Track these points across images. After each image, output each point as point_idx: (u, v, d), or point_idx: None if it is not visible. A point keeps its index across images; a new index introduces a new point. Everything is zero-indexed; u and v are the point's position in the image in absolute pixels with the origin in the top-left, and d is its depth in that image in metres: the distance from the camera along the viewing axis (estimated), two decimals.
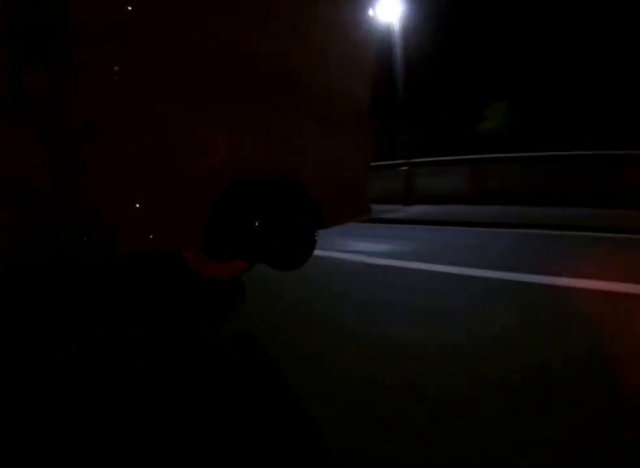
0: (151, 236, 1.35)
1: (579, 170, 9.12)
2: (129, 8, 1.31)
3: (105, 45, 1.27)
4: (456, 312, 2.03)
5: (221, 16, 1.56)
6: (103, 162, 1.30)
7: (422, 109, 15.49)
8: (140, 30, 1.34)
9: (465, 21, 16.33)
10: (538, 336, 1.75)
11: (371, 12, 2.34)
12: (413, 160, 10.73)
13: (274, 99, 1.72)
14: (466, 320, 1.92)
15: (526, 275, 2.69)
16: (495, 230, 5.72)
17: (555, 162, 9.51)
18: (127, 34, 1.31)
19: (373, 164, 10.43)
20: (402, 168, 10.42)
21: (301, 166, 1.71)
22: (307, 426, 1.05)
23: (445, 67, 16.49)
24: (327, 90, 1.93)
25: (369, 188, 2.42)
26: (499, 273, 2.77)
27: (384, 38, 11.34)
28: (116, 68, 1.30)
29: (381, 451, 0.99)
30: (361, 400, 1.21)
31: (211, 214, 1.34)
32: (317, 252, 1.83)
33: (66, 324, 1.66)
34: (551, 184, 9.20)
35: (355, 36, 2.21)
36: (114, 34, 1.29)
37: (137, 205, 1.35)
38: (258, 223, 1.34)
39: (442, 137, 15.09)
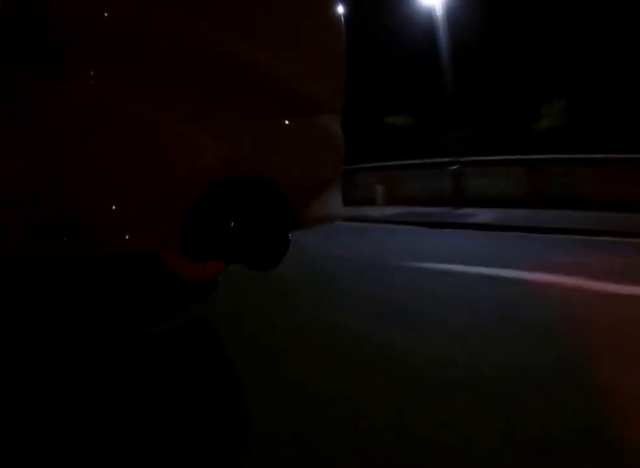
0: (130, 237, 1.36)
1: None
2: (106, 14, 1.36)
3: (79, 50, 1.30)
4: None
5: (194, 18, 1.58)
6: (82, 164, 1.34)
7: (471, 104, 14.54)
8: (115, 35, 1.37)
9: (519, 8, 15.24)
10: None
11: (339, 9, 2.30)
12: (463, 158, 9.93)
13: (247, 97, 1.75)
14: None
15: None
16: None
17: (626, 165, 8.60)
18: (102, 39, 1.34)
19: (415, 161, 9.58)
20: (451, 167, 9.62)
21: (273, 166, 1.69)
22: None
23: (496, 58, 15.45)
24: (299, 89, 1.91)
25: (343, 190, 2.38)
26: None
27: (425, 24, 10.64)
28: (92, 72, 1.33)
29: None
30: None
31: (189, 216, 1.34)
32: None
33: (61, 323, 1.68)
34: (624, 187, 8.27)
35: (324, 31, 2.21)
36: (88, 39, 1.32)
37: (116, 207, 1.37)
38: (233, 224, 1.35)
39: (494, 134, 14.14)
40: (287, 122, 1.89)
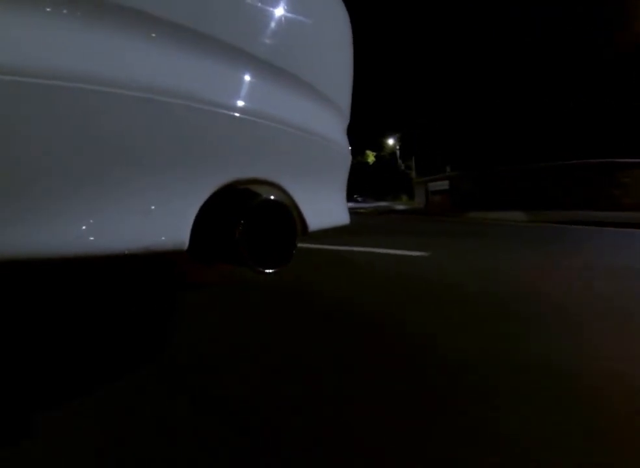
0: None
1: None
2: None
3: None
4: None
5: None
6: None
7: None
8: None
9: None
10: None
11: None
12: None
13: None
14: None
15: None
16: None
17: None
18: None
19: None
20: None
21: (283, 170, 1.36)
22: None
23: None
24: (307, 83, 1.47)
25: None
26: None
27: None
28: None
29: None
30: None
31: (198, 216, 0.99)
32: None
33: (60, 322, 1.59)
34: None
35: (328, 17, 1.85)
36: None
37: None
38: (242, 226, 1.01)
39: None
40: (296, 126, 1.63)
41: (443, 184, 15.44)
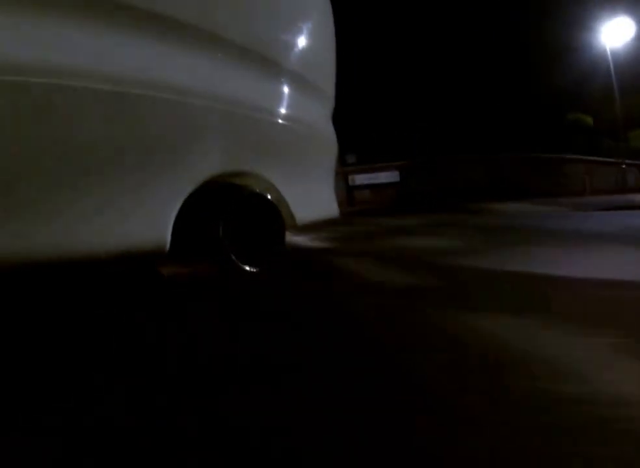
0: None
1: None
2: None
3: None
4: None
5: None
6: None
7: None
8: None
9: None
10: None
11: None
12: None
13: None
14: None
15: None
16: None
17: None
18: None
19: (604, 159, 13.09)
20: (622, 166, 11.58)
21: (266, 163, 1.39)
22: None
23: None
24: (294, 71, 1.49)
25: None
26: None
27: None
28: None
29: None
30: None
31: (179, 215, 1.08)
32: None
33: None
34: None
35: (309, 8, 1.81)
36: None
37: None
38: (226, 223, 1.19)
39: None
40: (278, 114, 1.54)
41: (388, 176, 12.96)
